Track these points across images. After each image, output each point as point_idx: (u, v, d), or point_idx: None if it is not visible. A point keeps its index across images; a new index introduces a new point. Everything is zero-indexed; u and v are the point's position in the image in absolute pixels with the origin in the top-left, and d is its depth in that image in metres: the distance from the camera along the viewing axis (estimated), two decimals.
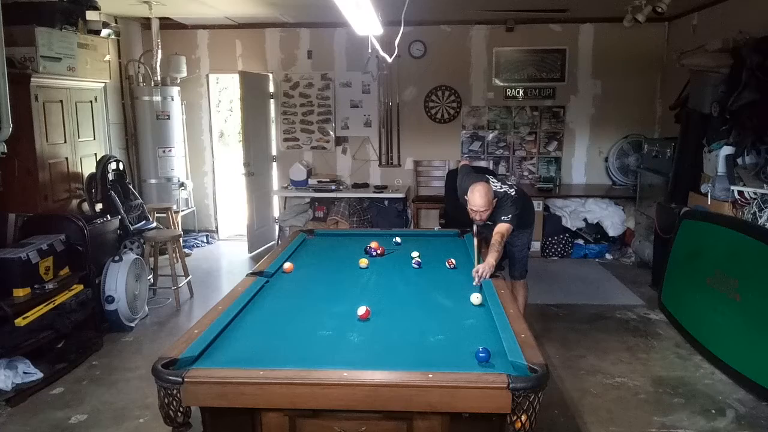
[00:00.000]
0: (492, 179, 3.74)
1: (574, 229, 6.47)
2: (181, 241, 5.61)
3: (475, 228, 3.75)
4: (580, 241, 6.53)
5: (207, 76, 7.11)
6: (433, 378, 1.86)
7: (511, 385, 1.79)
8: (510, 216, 3.44)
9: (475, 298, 2.66)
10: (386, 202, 6.71)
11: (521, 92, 6.80)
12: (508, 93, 6.82)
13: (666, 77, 6.50)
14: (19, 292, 3.55)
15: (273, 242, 7.02)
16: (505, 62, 6.76)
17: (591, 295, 5.24)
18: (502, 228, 3.39)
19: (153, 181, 6.45)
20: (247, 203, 6.59)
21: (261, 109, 6.84)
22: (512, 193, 3.61)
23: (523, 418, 1.79)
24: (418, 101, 6.91)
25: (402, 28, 3.64)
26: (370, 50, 4.78)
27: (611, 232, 6.40)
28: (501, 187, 3.63)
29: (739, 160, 4.11)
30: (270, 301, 2.73)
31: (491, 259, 3.09)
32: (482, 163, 6.71)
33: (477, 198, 3.41)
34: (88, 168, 4.87)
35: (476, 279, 2.88)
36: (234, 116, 11.70)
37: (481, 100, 6.87)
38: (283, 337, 2.30)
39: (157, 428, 3.02)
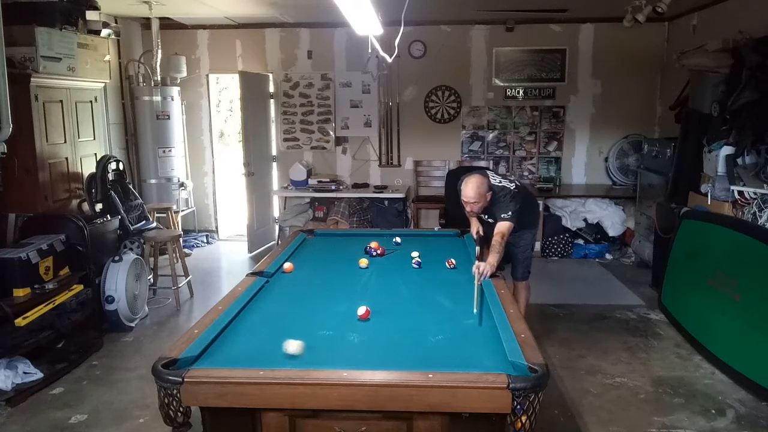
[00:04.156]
0: (492, 174, 3.69)
1: (574, 229, 6.47)
2: (181, 241, 5.62)
3: (473, 229, 3.74)
4: (580, 241, 6.53)
5: (207, 76, 7.10)
6: (433, 378, 1.86)
7: (511, 385, 1.79)
8: (510, 213, 3.38)
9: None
10: (386, 202, 6.71)
11: (521, 92, 6.80)
12: (508, 93, 6.82)
13: (666, 77, 6.50)
14: (19, 292, 3.55)
15: (273, 242, 7.02)
16: (505, 62, 6.76)
17: (591, 295, 5.24)
18: (502, 227, 3.35)
19: (153, 181, 6.45)
20: (247, 203, 6.59)
21: (261, 109, 6.84)
22: (511, 188, 3.55)
23: (523, 418, 1.79)
24: (418, 101, 6.91)
25: (402, 28, 3.63)
26: (370, 50, 4.77)
27: (611, 232, 6.40)
28: (500, 182, 3.57)
29: (739, 160, 4.11)
30: (270, 301, 2.73)
31: (492, 259, 3.08)
32: (482, 164, 6.72)
33: (468, 189, 3.38)
34: (88, 168, 4.87)
35: (477, 277, 2.82)
36: (234, 116, 11.70)
37: (481, 100, 6.87)
38: (283, 337, 2.28)
39: (157, 428, 3.02)
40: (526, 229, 3.87)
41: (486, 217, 3.69)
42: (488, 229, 3.58)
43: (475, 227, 3.83)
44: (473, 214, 3.54)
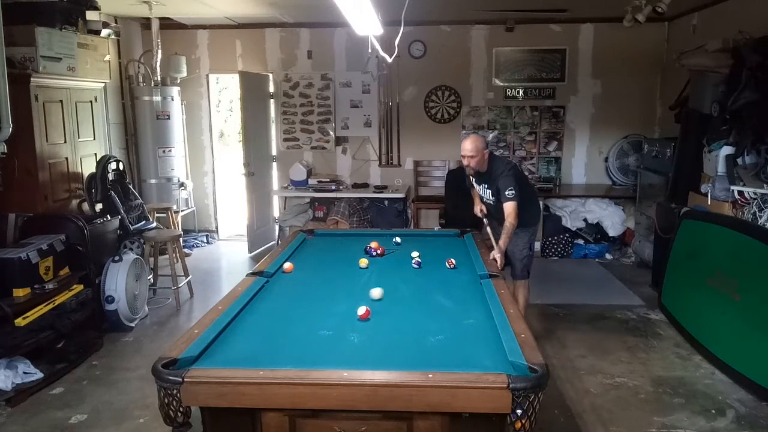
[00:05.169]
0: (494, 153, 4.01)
1: (574, 229, 6.47)
2: (181, 241, 5.62)
3: (476, 208, 4.07)
4: (580, 241, 6.53)
5: (207, 76, 7.11)
6: (433, 378, 1.85)
7: (511, 385, 1.79)
8: (512, 189, 3.62)
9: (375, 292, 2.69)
10: (386, 202, 6.71)
11: (521, 92, 6.80)
12: (508, 93, 6.82)
13: (666, 77, 6.50)
14: (19, 292, 3.54)
15: (273, 242, 7.02)
16: (505, 62, 6.76)
17: (591, 295, 5.24)
18: (509, 207, 3.62)
19: (153, 181, 6.45)
20: (247, 203, 6.59)
21: (261, 109, 6.84)
22: (512, 162, 3.86)
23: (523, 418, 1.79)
24: (418, 101, 6.91)
25: (402, 28, 3.63)
26: (370, 50, 4.78)
27: (611, 232, 6.40)
28: (501, 155, 3.83)
29: (739, 160, 4.11)
30: (270, 301, 2.73)
31: (501, 242, 3.52)
32: None
33: (467, 143, 3.73)
34: (88, 168, 4.87)
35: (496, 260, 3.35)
36: (234, 116, 11.70)
37: (481, 100, 6.87)
38: (283, 337, 2.30)
39: (157, 428, 3.02)
40: (522, 227, 3.90)
41: (485, 186, 3.87)
42: (489, 208, 3.86)
43: (478, 206, 4.07)
44: (471, 169, 3.79)
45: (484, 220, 3.88)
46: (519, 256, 3.98)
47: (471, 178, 4.05)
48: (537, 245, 6.36)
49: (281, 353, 2.12)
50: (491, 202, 3.89)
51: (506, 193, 3.61)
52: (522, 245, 3.94)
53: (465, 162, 3.76)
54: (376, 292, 2.69)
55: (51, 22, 4.32)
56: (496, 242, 3.64)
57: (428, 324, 2.40)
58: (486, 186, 3.86)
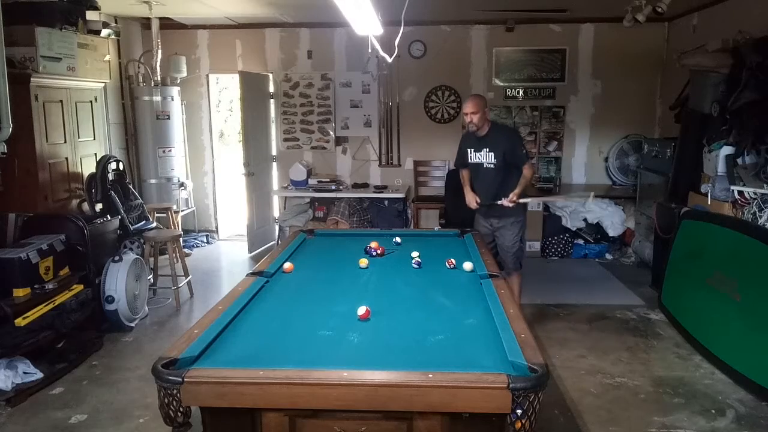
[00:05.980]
0: None
1: (574, 229, 6.47)
2: (181, 241, 5.62)
3: (469, 197, 4.18)
4: (580, 241, 6.53)
5: (207, 76, 7.11)
6: (433, 378, 1.85)
7: (511, 385, 1.79)
8: (523, 151, 3.93)
9: (468, 265, 3.05)
10: (386, 202, 6.71)
11: (521, 92, 6.81)
12: (508, 93, 6.82)
13: (666, 77, 6.50)
14: (19, 292, 3.55)
15: (273, 242, 7.02)
16: (505, 62, 6.76)
17: (591, 295, 5.24)
18: (527, 166, 3.95)
19: (153, 181, 6.45)
20: (247, 203, 6.59)
21: (261, 109, 6.84)
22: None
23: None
24: (418, 101, 6.91)
25: (402, 28, 3.64)
26: (370, 50, 4.78)
27: (611, 232, 6.40)
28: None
29: (739, 160, 4.11)
30: (270, 301, 2.73)
31: (517, 190, 3.83)
32: None
33: (469, 101, 3.92)
34: (88, 168, 4.87)
35: (513, 198, 3.76)
36: (234, 116, 11.69)
37: None
38: (283, 337, 2.30)
39: (157, 428, 3.02)
40: (513, 219, 3.93)
41: (488, 150, 3.97)
42: (485, 183, 3.99)
43: (471, 195, 4.13)
44: (474, 126, 3.91)
45: (501, 201, 3.97)
46: (511, 249, 4.05)
47: (470, 151, 4.07)
48: (537, 245, 6.38)
49: (281, 353, 2.12)
50: (492, 167, 3.97)
51: (522, 154, 3.91)
52: (513, 237, 3.99)
53: (468, 119, 3.91)
54: (468, 265, 3.06)
55: (51, 22, 4.32)
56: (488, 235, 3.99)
57: (428, 324, 2.40)
58: (488, 149, 3.96)
